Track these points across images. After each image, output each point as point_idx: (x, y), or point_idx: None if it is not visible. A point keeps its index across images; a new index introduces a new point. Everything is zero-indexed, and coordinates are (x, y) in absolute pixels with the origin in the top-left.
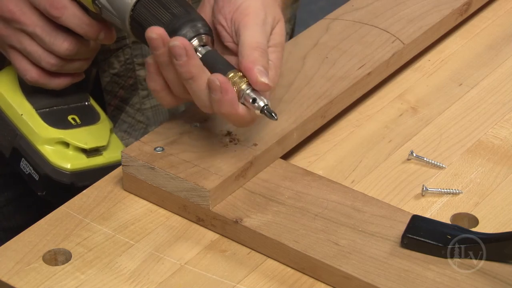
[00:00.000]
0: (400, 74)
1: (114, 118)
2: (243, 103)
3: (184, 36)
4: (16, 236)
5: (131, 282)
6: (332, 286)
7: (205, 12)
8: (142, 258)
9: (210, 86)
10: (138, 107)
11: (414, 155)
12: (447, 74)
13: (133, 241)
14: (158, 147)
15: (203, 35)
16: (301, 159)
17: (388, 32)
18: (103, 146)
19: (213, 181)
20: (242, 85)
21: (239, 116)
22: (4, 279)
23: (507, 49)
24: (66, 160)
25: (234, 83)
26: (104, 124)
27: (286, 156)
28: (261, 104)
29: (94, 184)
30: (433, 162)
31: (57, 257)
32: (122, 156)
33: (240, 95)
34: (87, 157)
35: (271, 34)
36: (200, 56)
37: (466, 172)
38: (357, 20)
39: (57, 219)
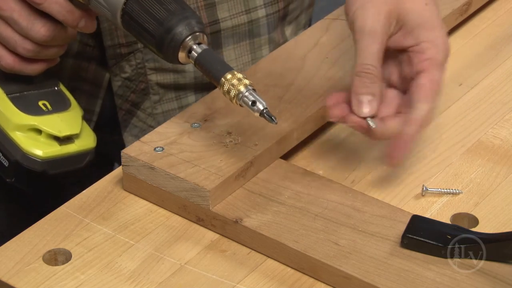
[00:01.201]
0: None
1: (125, 122)
2: (241, 105)
3: (180, 34)
4: (16, 236)
5: (131, 282)
6: (332, 286)
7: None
8: (142, 258)
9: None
10: (150, 111)
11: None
12: (447, 74)
13: (133, 241)
14: (158, 147)
15: (197, 33)
16: (301, 159)
17: None
18: (76, 134)
19: (213, 181)
20: (241, 87)
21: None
22: (4, 279)
23: (507, 49)
24: (38, 147)
25: (232, 85)
26: (75, 111)
27: (286, 156)
28: (261, 107)
29: (94, 184)
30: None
31: (57, 257)
32: (122, 156)
33: (239, 97)
34: (60, 145)
35: (395, 30)
36: (196, 55)
37: (466, 172)
38: None
39: (57, 219)
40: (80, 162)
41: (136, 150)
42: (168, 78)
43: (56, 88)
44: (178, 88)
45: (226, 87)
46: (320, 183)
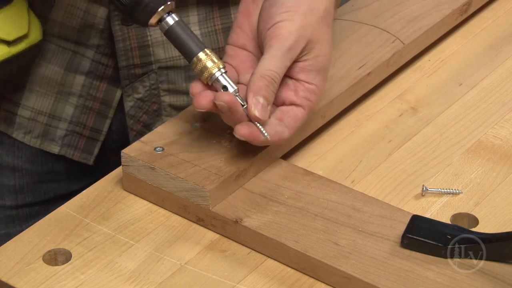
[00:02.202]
0: (400, 74)
1: None
2: (211, 85)
3: (154, 4)
4: (16, 236)
5: (131, 282)
6: (332, 286)
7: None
8: (142, 258)
9: (217, 105)
10: None
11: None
12: (447, 74)
13: (133, 241)
14: (158, 147)
15: (169, 2)
16: (301, 159)
17: (388, 32)
18: (25, 35)
19: (213, 181)
20: (214, 69)
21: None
22: (4, 279)
23: (507, 49)
24: None
25: (205, 68)
26: (20, 3)
27: (286, 156)
28: (231, 90)
29: (94, 184)
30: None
31: (57, 257)
32: (122, 156)
33: (211, 79)
34: (9, 47)
35: (302, 59)
36: (167, 27)
37: (466, 172)
38: (357, 20)
39: (57, 219)
40: (28, 56)
41: (136, 150)
42: (181, 100)
43: None
44: None
45: (199, 67)
46: (320, 183)
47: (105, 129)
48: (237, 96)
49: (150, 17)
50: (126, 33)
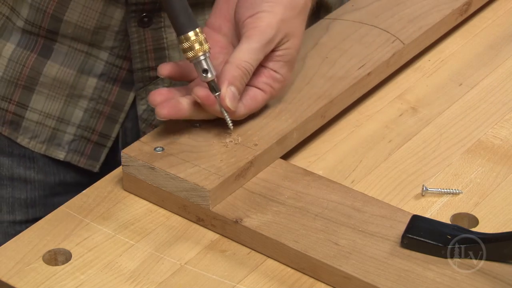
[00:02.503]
0: (400, 74)
1: None
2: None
3: None
4: (16, 236)
5: (131, 282)
6: (332, 286)
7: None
8: (142, 258)
9: (195, 99)
10: None
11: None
12: (447, 74)
13: (133, 241)
14: (158, 147)
15: None
16: (301, 159)
17: (388, 32)
18: None
19: (213, 181)
20: (199, 52)
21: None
22: (4, 279)
23: (507, 49)
24: None
25: (191, 48)
26: None
27: (286, 156)
28: (209, 76)
29: (94, 184)
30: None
31: (57, 257)
32: (122, 156)
33: (194, 60)
34: None
35: (277, 49)
36: None
37: (466, 172)
38: (357, 20)
39: (57, 219)
40: None
41: (136, 150)
42: None
43: None
44: None
45: (186, 46)
46: (320, 183)
47: (114, 134)
48: (212, 82)
49: None
50: (142, 35)
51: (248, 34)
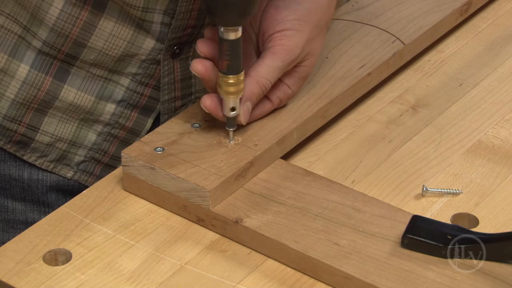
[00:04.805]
0: (400, 74)
1: None
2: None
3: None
4: (17, 236)
5: (131, 282)
6: (333, 287)
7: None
8: (142, 258)
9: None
10: None
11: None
12: (447, 74)
13: (133, 241)
14: (158, 147)
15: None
16: (301, 159)
17: (388, 32)
18: None
19: (213, 181)
20: (240, 93)
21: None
22: (4, 279)
23: (507, 49)
24: None
25: (236, 84)
26: None
27: (286, 156)
28: (233, 114)
29: (94, 184)
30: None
31: (57, 257)
32: (122, 156)
33: (231, 96)
34: None
35: (295, 66)
36: (225, 38)
37: (466, 172)
38: (357, 20)
39: (57, 219)
40: None
41: (136, 150)
42: None
43: None
44: None
45: (231, 81)
46: (320, 183)
47: None
48: (233, 119)
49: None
50: (172, 67)
51: (274, 51)
